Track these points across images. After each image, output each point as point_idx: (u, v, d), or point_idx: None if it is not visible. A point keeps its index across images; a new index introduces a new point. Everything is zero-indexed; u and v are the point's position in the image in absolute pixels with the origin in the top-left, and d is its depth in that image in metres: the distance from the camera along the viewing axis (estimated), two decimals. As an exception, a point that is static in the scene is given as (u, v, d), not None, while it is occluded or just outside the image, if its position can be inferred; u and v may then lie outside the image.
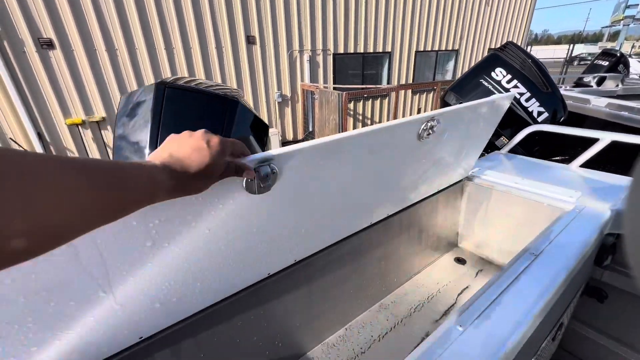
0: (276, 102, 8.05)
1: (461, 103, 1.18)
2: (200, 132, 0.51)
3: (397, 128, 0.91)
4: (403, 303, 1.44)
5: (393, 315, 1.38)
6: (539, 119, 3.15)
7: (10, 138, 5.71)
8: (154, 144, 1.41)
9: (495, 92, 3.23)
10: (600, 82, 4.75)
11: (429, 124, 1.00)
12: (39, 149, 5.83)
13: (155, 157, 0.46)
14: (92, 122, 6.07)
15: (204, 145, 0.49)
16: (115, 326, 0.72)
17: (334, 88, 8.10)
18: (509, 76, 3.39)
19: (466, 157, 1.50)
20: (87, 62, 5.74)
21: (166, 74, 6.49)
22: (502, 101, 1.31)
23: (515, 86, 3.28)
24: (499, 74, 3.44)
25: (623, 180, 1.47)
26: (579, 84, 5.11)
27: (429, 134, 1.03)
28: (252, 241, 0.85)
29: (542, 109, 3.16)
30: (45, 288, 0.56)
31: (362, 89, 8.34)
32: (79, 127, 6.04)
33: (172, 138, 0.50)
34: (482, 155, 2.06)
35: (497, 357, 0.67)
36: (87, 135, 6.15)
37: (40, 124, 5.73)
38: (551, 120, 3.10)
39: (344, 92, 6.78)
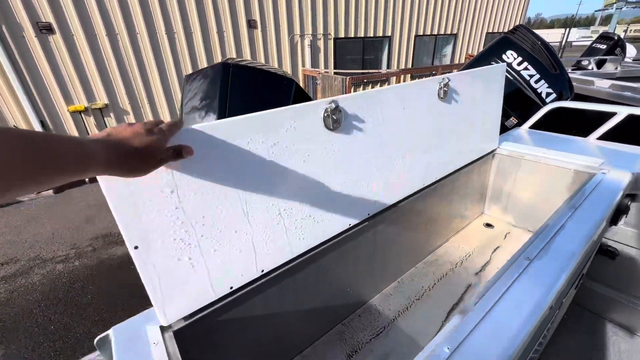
0: (279, 88, 8.03)
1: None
2: (139, 123, 0.57)
3: (421, 85, 1.19)
4: (445, 260, 1.62)
5: (438, 271, 1.55)
6: (547, 100, 3.31)
7: (14, 125, 5.63)
8: (223, 115, 1.52)
9: (507, 74, 3.36)
10: (600, 64, 4.93)
11: (443, 83, 1.29)
12: (41, 136, 5.76)
13: (93, 135, 0.52)
14: (94, 109, 6.02)
15: (143, 132, 0.54)
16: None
17: (335, 73, 8.12)
18: (520, 58, 3.51)
19: (487, 128, 1.68)
20: (87, 47, 5.64)
21: (167, 59, 6.42)
22: (496, 70, 1.57)
23: (526, 68, 3.41)
24: (510, 56, 3.56)
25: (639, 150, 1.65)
26: (578, 67, 5.28)
27: (445, 92, 1.30)
28: (337, 182, 1.04)
29: (550, 90, 3.32)
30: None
31: (364, 73, 8.38)
32: (82, 114, 5.98)
33: (113, 126, 0.55)
34: (502, 133, 2.22)
35: (535, 317, 0.74)
36: (90, 122, 6.10)
37: (42, 111, 5.66)
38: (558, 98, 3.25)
39: (347, 77, 6.83)
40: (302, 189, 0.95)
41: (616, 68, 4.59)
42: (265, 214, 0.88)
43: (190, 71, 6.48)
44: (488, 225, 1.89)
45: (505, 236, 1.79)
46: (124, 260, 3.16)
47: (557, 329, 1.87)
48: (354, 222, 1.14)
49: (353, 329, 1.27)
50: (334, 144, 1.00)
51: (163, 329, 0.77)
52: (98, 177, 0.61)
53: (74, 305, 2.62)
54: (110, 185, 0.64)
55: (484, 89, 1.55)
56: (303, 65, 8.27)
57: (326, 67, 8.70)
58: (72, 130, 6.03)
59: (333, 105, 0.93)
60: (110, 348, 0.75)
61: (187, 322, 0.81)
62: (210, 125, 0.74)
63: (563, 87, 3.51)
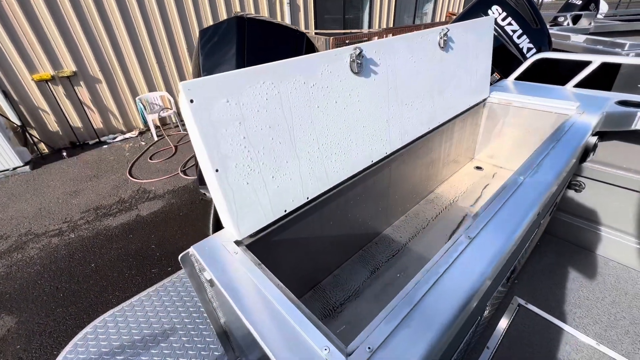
0: (261, 50, 7.73)
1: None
2: None
3: (425, 35, 1.34)
4: (443, 198, 1.86)
5: (438, 206, 1.79)
6: (528, 55, 3.50)
7: (-25, 97, 5.22)
8: (242, 66, 1.58)
9: (495, 33, 3.48)
10: (575, 20, 5.14)
11: (443, 33, 1.43)
12: (7, 108, 5.40)
13: None
14: (62, 77, 5.62)
15: None
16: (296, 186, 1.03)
17: (316, 33, 7.87)
18: (504, 14, 3.62)
19: (480, 77, 1.85)
20: (46, 9, 5.13)
21: (137, 19, 5.96)
22: (486, 21, 1.73)
23: (509, 23, 3.55)
24: (495, 11, 3.66)
25: (611, 95, 1.89)
26: (555, 23, 5.47)
27: (445, 42, 1.44)
28: (362, 122, 1.17)
29: (530, 45, 3.50)
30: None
31: (345, 33, 8.18)
32: (48, 83, 5.58)
33: None
34: (492, 85, 2.40)
35: (515, 235, 0.99)
36: (59, 91, 5.72)
37: (3, 80, 5.23)
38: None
39: (331, 37, 6.68)
40: (335, 126, 1.09)
41: (590, 24, 4.82)
42: (308, 147, 1.02)
43: (163, 33, 6.11)
44: (478, 167, 2.13)
45: (494, 176, 2.04)
46: (122, 230, 3.17)
47: (531, 254, 2.22)
48: (376, 159, 1.30)
49: (372, 253, 1.49)
50: (358, 87, 1.13)
51: (237, 243, 0.93)
52: (190, 110, 0.72)
53: (79, 274, 2.65)
54: (199, 114, 0.75)
55: (476, 39, 1.69)
56: (284, 26, 7.92)
57: (307, 27, 8.39)
58: (38, 100, 5.66)
59: (357, 51, 1.05)
60: (191, 263, 0.91)
61: (252, 239, 0.97)
62: (263, 68, 0.85)
63: (542, 43, 3.69)
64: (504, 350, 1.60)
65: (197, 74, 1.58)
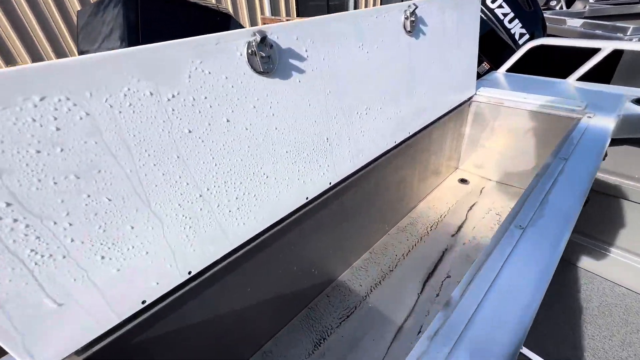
0: (236, 40, 7.20)
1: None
2: None
3: (382, 12, 0.94)
4: (419, 224, 1.48)
5: (412, 236, 1.41)
6: (520, 42, 3.12)
7: None
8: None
9: (484, 16, 3.09)
10: (569, 3, 4.76)
11: (410, 10, 1.02)
12: None
13: None
14: None
15: None
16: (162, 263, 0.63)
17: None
18: (495, -6, 3.22)
19: (464, 70, 1.46)
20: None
21: None
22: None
23: (500, 6, 3.15)
24: (484, -9, 3.24)
25: (622, 90, 1.52)
26: (547, 7, 5.09)
27: (413, 23, 1.04)
28: (283, 147, 0.77)
29: (523, 31, 3.11)
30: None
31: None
32: None
33: None
34: (479, 78, 2.02)
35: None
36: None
37: None
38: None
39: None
40: (230, 158, 0.69)
41: (585, 7, 4.45)
42: (176, 197, 0.63)
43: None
44: (463, 181, 1.76)
45: (481, 191, 1.68)
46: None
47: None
48: (312, 194, 0.91)
49: (320, 313, 1.11)
50: (269, 93, 0.72)
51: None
52: None
53: None
54: None
55: (458, 20, 1.29)
56: (262, 13, 7.37)
57: (288, 14, 7.85)
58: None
59: (258, 37, 0.64)
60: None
61: (82, 358, 0.58)
62: (30, 70, 0.44)
63: (536, 27, 3.31)
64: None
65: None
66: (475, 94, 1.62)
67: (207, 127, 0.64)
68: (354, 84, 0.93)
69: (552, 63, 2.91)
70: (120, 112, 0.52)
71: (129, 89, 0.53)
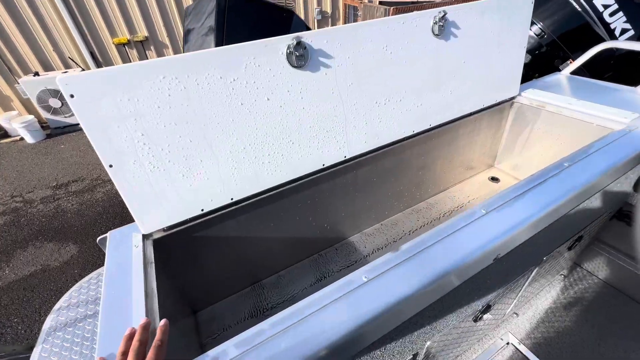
0: (315, 20, 7.48)
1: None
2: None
3: (410, 19, 1.12)
4: (434, 209, 1.63)
5: (423, 218, 1.58)
6: (621, 39, 2.74)
7: (69, 57, 6.09)
8: (221, 43, 1.54)
9: (573, 2, 2.78)
10: None
11: (439, 17, 1.16)
12: (93, 67, 6.20)
13: None
14: (136, 41, 6.22)
15: None
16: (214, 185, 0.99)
17: (380, 2, 7.24)
18: (595, -20, 2.87)
19: (503, 72, 1.49)
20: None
21: (202, -13, 6.19)
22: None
23: (602, -5, 2.80)
24: (581, -22, 2.91)
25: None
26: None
27: (441, 28, 1.19)
28: (307, 122, 1.08)
29: (627, 26, 2.72)
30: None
31: (412, 3, 7.36)
32: (125, 46, 6.24)
33: None
34: (537, 77, 1.95)
35: (508, 234, 0.82)
36: (133, 54, 6.37)
37: (91, 43, 6.00)
38: (638, 40, 2.67)
39: (391, 7, 6.09)
40: (267, 126, 1.00)
41: None
42: (229, 147, 0.96)
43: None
44: (494, 179, 1.81)
45: (509, 192, 1.71)
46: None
47: (550, 285, 1.87)
48: (328, 162, 1.18)
49: (327, 260, 1.41)
50: (300, 82, 1.00)
51: (145, 236, 0.95)
52: (71, 105, 0.72)
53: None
54: (81, 109, 0.74)
55: (500, 26, 1.34)
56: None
57: (368, -5, 7.76)
58: (117, 61, 6.38)
59: (295, 42, 0.91)
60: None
61: (166, 233, 0.98)
62: (162, 61, 0.79)
63: (646, 23, 2.86)
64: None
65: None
66: (520, 94, 1.63)
67: (253, 102, 0.95)
68: (376, 78, 1.14)
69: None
70: (202, 88, 0.86)
71: (208, 74, 0.86)
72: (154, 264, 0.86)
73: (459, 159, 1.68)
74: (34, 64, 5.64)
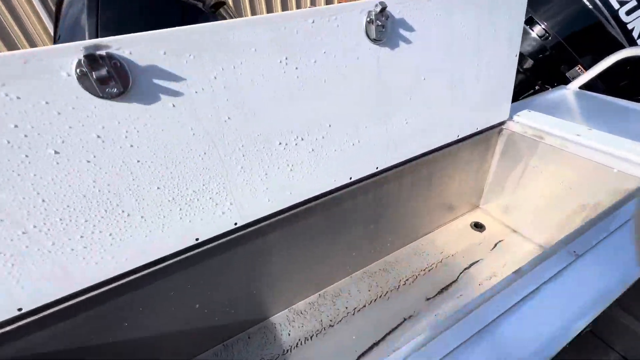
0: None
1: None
2: None
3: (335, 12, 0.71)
4: (393, 272, 1.21)
5: (377, 286, 1.17)
6: (639, 42, 2.31)
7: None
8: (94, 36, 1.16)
9: (589, 3, 2.35)
10: None
11: (377, 10, 0.74)
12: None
13: None
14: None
15: None
16: None
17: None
18: (608, -28, 2.45)
19: (487, 89, 1.06)
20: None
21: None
22: None
23: (619, -11, 2.37)
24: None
25: None
26: None
27: (380, 28, 0.77)
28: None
29: (648, 26, 2.29)
30: None
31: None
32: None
33: None
34: (540, 91, 1.53)
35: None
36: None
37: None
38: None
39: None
40: (69, 194, 0.60)
41: None
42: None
43: None
44: (477, 226, 1.38)
45: (495, 245, 1.28)
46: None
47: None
48: (204, 236, 0.78)
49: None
50: (125, 118, 0.59)
51: None
52: None
53: None
54: None
55: (479, 27, 0.93)
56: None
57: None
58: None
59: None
60: None
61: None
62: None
63: (671, 22, 2.43)
64: None
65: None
66: (511, 119, 1.21)
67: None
68: (274, 107, 0.73)
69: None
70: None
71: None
72: None
73: (432, 200, 1.26)
74: None
